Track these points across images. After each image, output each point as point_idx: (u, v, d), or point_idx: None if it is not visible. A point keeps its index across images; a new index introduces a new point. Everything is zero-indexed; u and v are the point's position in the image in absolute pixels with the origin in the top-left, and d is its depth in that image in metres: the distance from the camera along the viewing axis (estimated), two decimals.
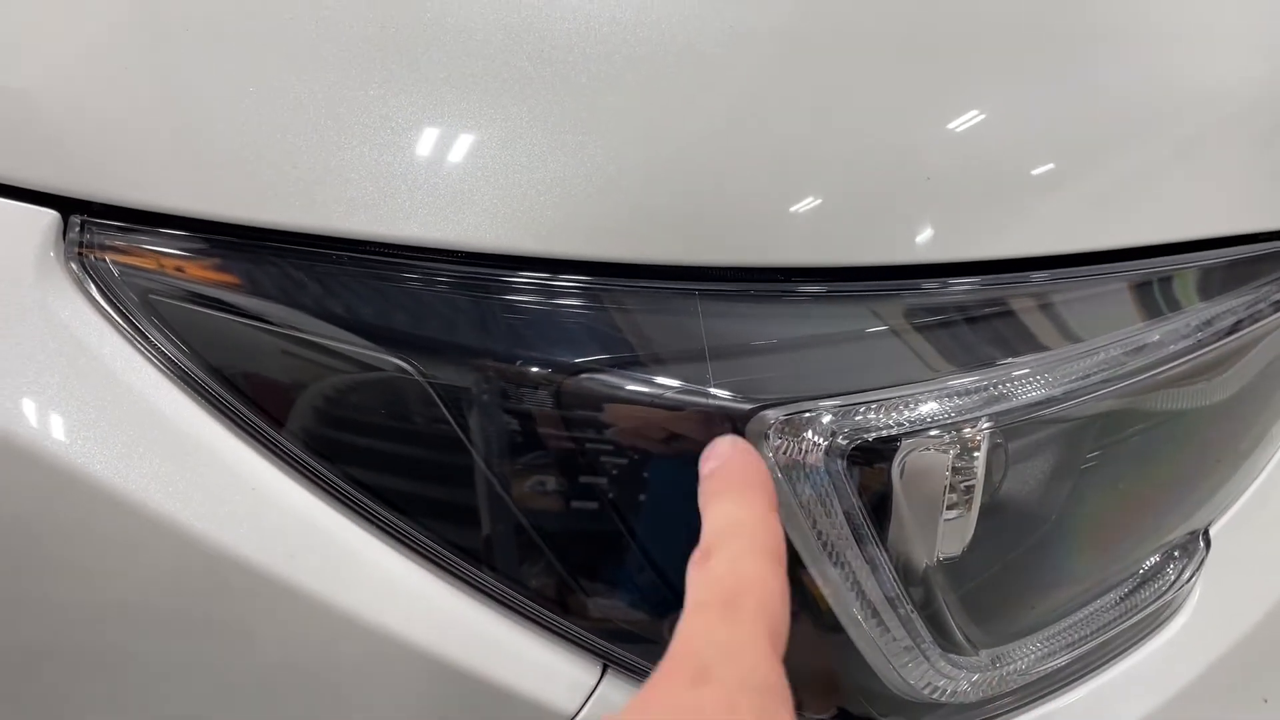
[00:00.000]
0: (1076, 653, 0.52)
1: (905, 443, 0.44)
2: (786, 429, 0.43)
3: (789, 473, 0.43)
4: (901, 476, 0.45)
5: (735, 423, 0.43)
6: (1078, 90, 0.50)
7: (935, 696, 0.48)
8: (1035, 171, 0.48)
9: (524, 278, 0.43)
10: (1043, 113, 0.49)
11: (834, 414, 0.44)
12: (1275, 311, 0.56)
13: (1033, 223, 0.48)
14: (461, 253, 0.43)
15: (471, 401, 0.43)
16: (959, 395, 0.46)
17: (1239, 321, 0.55)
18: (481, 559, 0.44)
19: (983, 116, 0.47)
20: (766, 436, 0.43)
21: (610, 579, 0.45)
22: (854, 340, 0.46)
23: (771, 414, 0.43)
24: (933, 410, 0.45)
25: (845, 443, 0.44)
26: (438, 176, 0.42)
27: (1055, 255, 0.49)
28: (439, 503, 0.44)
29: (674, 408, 0.42)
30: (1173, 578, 0.56)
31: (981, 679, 0.49)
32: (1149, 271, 0.53)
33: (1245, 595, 0.58)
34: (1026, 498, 0.50)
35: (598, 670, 0.46)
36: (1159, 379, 0.52)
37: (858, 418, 0.44)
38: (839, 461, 0.44)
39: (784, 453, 0.43)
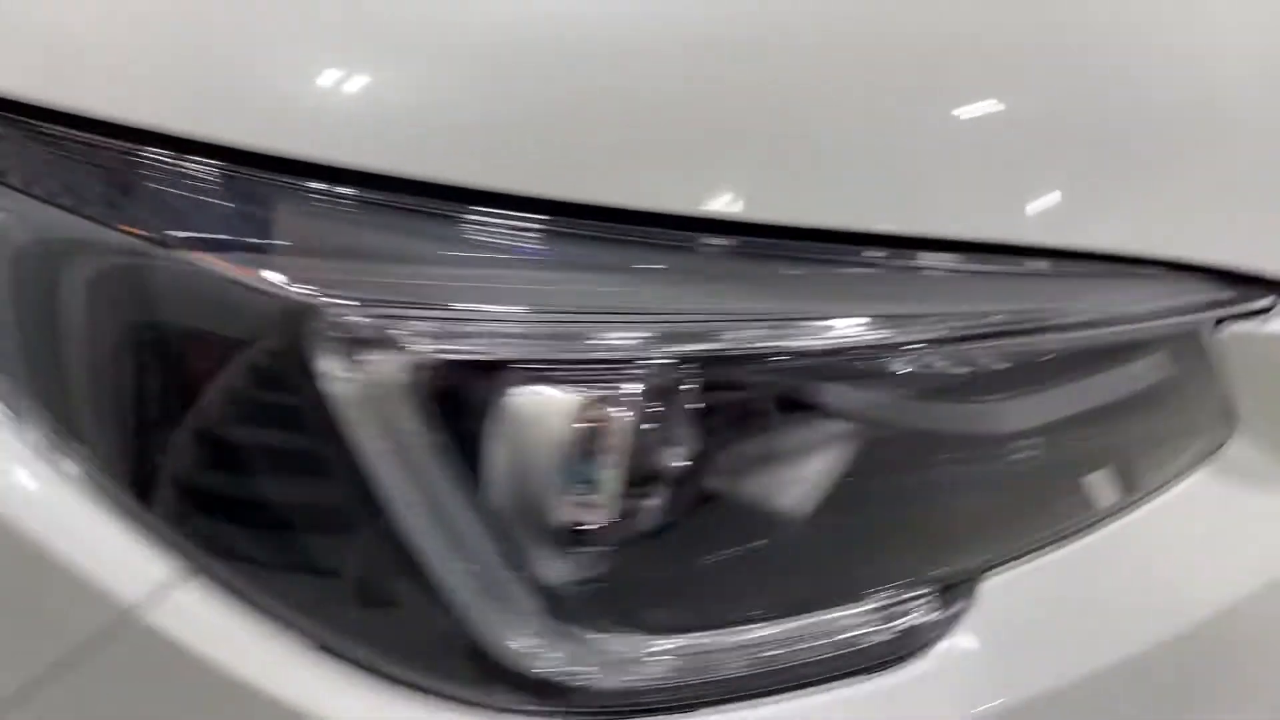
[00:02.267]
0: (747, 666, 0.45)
1: (512, 373, 0.40)
2: (366, 337, 0.39)
3: (371, 392, 0.39)
4: (515, 416, 0.40)
5: (297, 318, 0.39)
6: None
7: (548, 673, 0.42)
8: None
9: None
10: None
11: (431, 323, 0.39)
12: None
13: None
14: None
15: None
16: (630, 328, 0.41)
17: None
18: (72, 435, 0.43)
19: None
20: (343, 343, 0.39)
21: (192, 471, 0.43)
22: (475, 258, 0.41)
23: (353, 315, 0.39)
24: (589, 340, 0.40)
25: (444, 363, 0.39)
26: None
27: None
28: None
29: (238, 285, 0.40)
30: (917, 620, 0.47)
31: (603, 665, 0.43)
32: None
33: (1008, 663, 0.48)
34: (721, 477, 0.44)
35: (175, 572, 0.43)
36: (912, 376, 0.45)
37: (461, 335, 0.39)
38: (436, 382, 0.40)
39: (365, 368, 0.39)
